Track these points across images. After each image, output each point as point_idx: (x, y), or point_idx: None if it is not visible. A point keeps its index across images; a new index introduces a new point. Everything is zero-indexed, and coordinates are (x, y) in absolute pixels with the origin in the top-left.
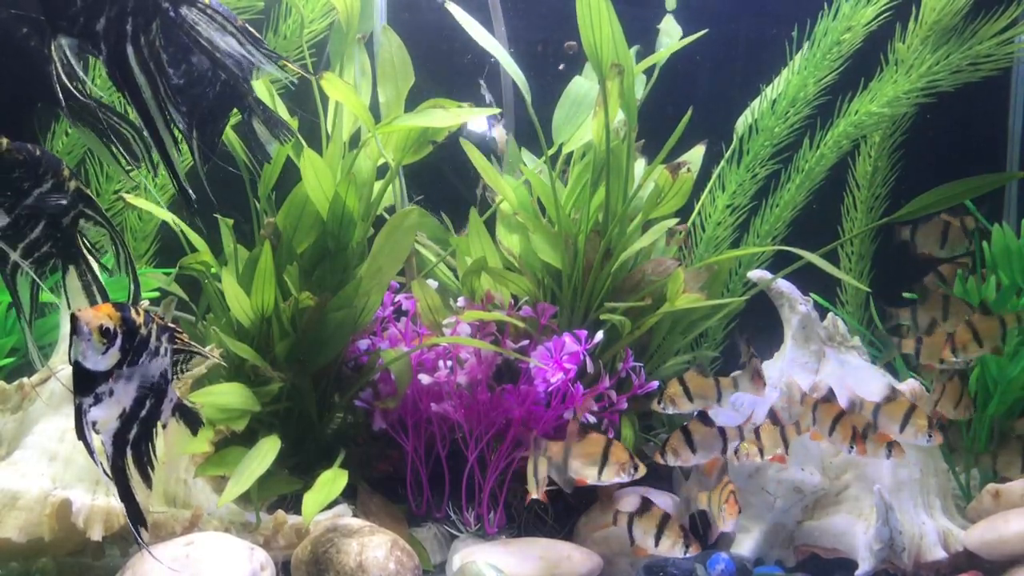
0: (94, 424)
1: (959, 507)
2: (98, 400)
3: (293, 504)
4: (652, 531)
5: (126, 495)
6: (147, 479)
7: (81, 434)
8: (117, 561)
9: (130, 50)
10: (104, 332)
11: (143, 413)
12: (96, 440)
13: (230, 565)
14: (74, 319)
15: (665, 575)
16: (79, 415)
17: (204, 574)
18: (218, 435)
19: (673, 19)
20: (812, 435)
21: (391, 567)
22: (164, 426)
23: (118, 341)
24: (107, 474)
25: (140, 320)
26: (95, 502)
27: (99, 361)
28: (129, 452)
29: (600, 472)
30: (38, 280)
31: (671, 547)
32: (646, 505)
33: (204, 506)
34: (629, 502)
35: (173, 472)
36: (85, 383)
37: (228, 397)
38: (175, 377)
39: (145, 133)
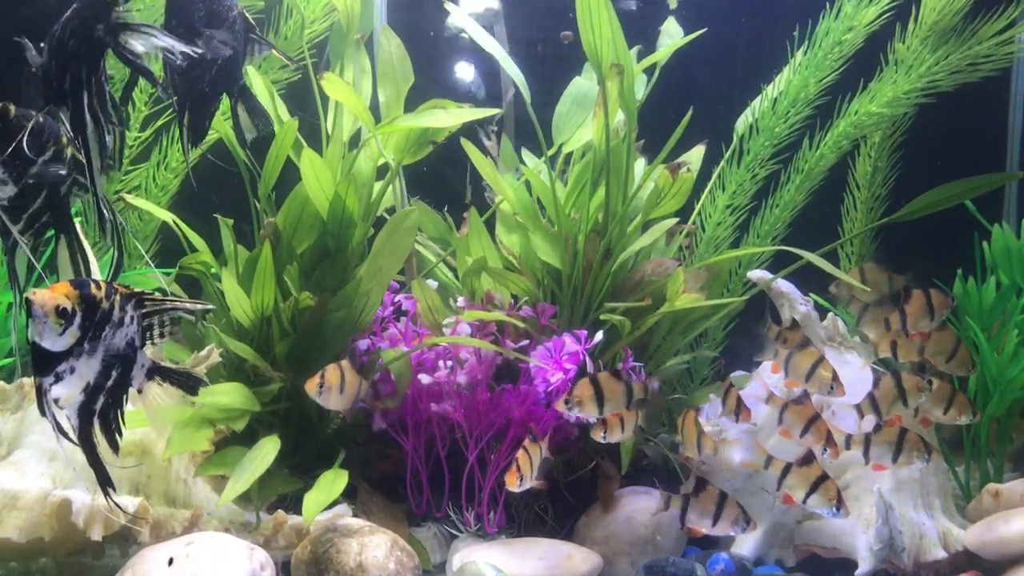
0: (56, 401)
1: (959, 507)
2: (59, 379)
3: (293, 504)
4: (710, 510)
5: (94, 462)
6: (114, 445)
7: (43, 412)
8: (117, 561)
9: (84, 95)
10: (60, 313)
11: (109, 383)
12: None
13: (230, 565)
14: (28, 302)
15: (665, 575)
16: (40, 394)
17: (204, 574)
18: (218, 435)
19: (675, 20)
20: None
21: (391, 567)
22: (140, 391)
23: (76, 320)
24: (72, 442)
25: (100, 295)
26: (95, 502)
27: (57, 342)
28: (96, 421)
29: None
30: (31, 255)
31: (730, 526)
32: (701, 484)
33: (204, 506)
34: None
35: (172, 468)
36: (44, 363)
37: (228, 397)
38: (149, 342)
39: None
